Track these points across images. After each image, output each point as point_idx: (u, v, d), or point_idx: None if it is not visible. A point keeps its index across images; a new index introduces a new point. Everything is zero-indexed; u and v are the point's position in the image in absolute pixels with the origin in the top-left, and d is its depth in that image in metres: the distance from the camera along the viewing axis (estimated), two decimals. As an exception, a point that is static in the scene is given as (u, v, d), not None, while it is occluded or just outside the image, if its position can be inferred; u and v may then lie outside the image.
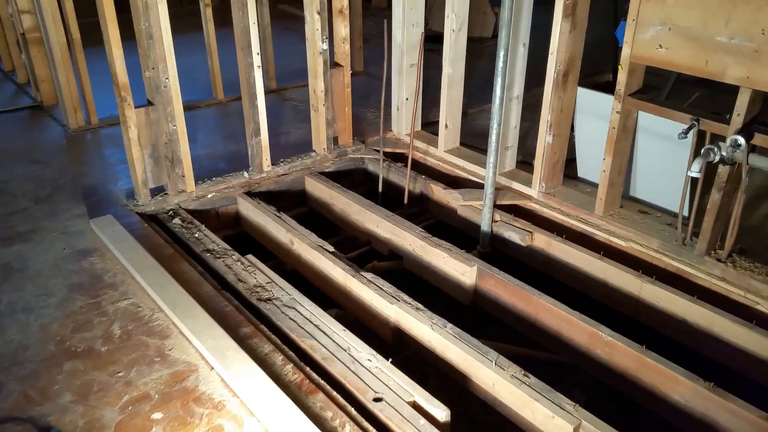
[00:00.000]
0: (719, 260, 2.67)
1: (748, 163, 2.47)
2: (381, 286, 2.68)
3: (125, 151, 3.05)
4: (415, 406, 2.07)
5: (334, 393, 2.08)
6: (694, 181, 2.69)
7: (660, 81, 4.10)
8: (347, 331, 2.38)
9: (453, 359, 2.37)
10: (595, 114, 3.17)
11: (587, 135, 3.32)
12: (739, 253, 2.70)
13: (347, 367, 2.20)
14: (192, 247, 2.87)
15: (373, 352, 2.27)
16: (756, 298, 2.51)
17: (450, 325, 2.45)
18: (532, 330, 2.69)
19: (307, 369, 2.18)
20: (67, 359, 2.16)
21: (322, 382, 2.12)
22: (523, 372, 2.20)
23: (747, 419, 2.02)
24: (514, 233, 3.09)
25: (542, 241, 3.04)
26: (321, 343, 2.31)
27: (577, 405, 2.06)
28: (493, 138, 3.02)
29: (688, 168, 2.60)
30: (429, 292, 3.06)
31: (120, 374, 2.10)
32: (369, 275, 2.75)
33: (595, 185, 3.28)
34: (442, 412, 2.04)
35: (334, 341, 2.33)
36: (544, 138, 3.19)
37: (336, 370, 2.19)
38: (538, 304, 2.61)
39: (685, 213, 2.81)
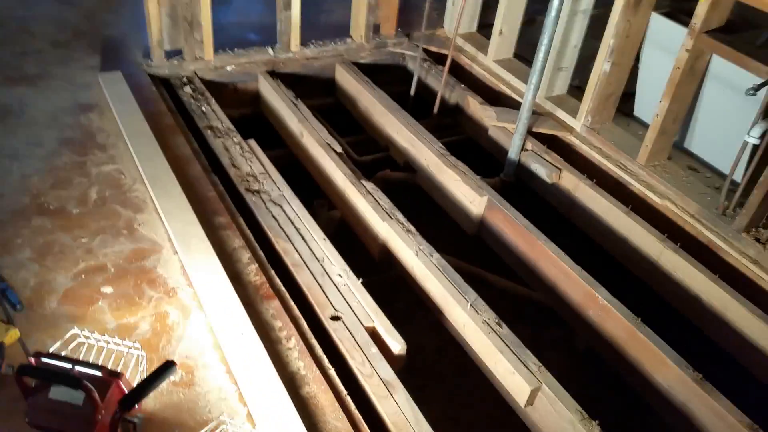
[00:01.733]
0: (758, 240, 2.34)
1: (822, 138, 2.08)
2: (378, 199, 2.51)
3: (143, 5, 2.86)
4: (373, 334, 1.96)
5: (291, 303, 1.98)
6: (754, 147, 2.31)
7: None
8: (327, 240, 2.25)
9: (431, 290, 2.22)
10: (667, 48, 2.73)
11: (653, 70, 2.89)
12: (785, 235, 2.36)
13: (315, 279, 2.09)
14: (195, 120, 2.74)
15: (347, 268, 2.15)
16: (787, 291, 2.21)
17: (437, 255, 2.27)
18: (529, 275, 2.49)
19: (271, 272, 2.08)
20: (37, 215, 2.12)
21: (282, 289, 2.03)
22: (496, 320, 2.04)
23: (727, 422, 1.82)
24: (542, 167, 2.81)
25: (570, 181, 2.75)
26: (296, 248, 2.20)
27: (542, 367, 1.90)
28: (540, 55, 2.66)
29: (749, 130, 2.22)
30: (434, 214, 2.88)
31: (84, 240, 2.06)
32: (369, 185, 2.57)
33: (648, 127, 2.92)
34: (397, 345, 1.93)
35: (310, 248, 2.21)
36: (600, 64, 2.79)
37: (302, 279, 2.08)
38: (541, 250, 2.39)
39: (738, 179, 2.45)
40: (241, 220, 2.26)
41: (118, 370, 1.47)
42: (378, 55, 3.50)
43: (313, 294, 2.03)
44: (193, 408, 1.61)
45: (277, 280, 2.05)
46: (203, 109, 2.82)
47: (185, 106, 2.82)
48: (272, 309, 1.93)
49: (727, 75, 2.51)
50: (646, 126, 2.98)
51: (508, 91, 3.29)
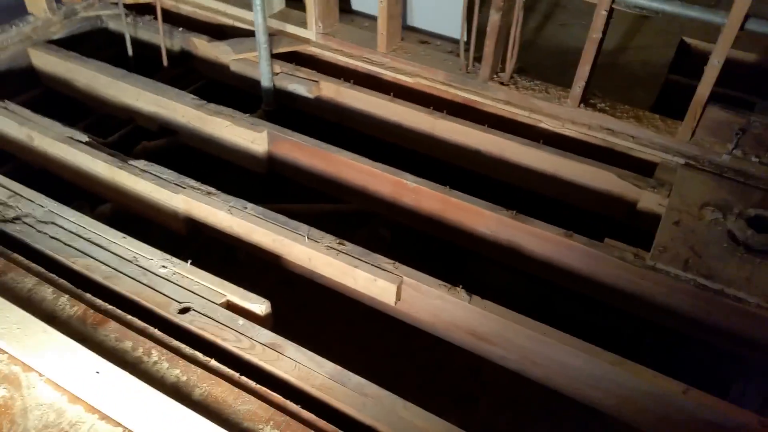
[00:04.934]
0: (502, 83, 2.67)
1: (523, -20, 2.39)
2: (159, 174, 2.27)
3: None
4: (230, 306, 1.85)
5: (129, 317, 1.75)
6: (471, 4, 2.57)
7: None
8: (128, 237, 2.00)
9: (261, 241, 2.14)
10: (364, -65, 2.83)
11: (358, -39, 2.99)
12: (518, 73, 2.72)
13: (139, 282, 1.86)
14: None
15: (167, 256, 1.95)
16: (539, 117, 2.59)
17: (251, 205, 2.18)
18: (336, 188, 2.53)
19: (88, 296, 1.79)
20: None
21: (110, 307, 1.77)
22: (337, 240, 2.06)
23: (547, 238, 2.14)
24: (300, 85, 2.79)
25: (330, 90, 2.79)
26: (99, 260, 1.92)
27: (396, 263, 2.00)
28: (256, -25, 2.56)
29: (469, -9, 2.46)
30: (217, 167, 2.72)
31: None
32: (141, 163, 2.31)
33: (372, 18, 3.03)
34: (260, 306, 1.85)
35: (114, 254, 1.95)
36: (312, -31, 2.79)
37: (125, 288, 1.84)
38: (339, 161, 2.43)
39: (466, 38, 2.73)
40: (19, 257, 1.87)
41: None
42: (72, 26, 3.03)
43: (146, 298, 1.82)
44: (87, 475, 1.38)
45: (100, 301, 1.78)
46: None
47: None
48: (112, 333, 1.69)
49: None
50: (368, 17, 3.11)
51: (230, 22, 3.13)
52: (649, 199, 2.32)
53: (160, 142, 2.74)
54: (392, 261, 2.00)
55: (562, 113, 2.57)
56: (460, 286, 1.94)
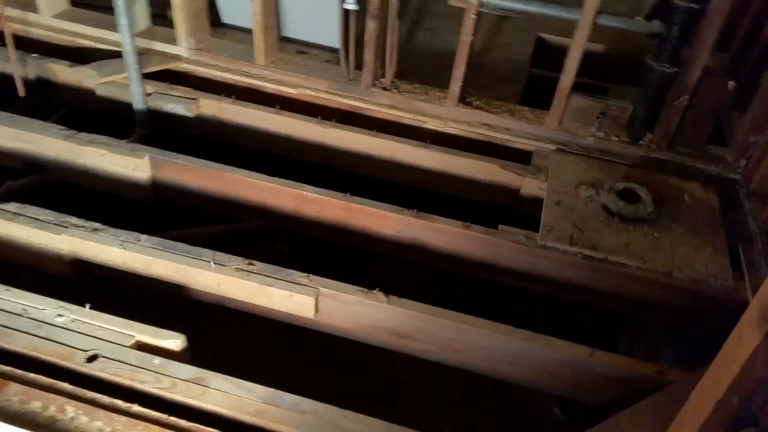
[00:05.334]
0: (385, 89, 2.74)
1: (395, -13, 2.47)
2: (35, 215, 2.09)
3: None
4: (142, 346, 1.75)
5: (31, 375, 1.60)
6: (346, 13, 2.61)
7: None
8: (11, 289, 1.82)
9: (162, 273, 2.04)
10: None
11: (223, -26, 2.92)
12: (398, 77, 2.81)
13: (35, 336, 1.70)
14: None
15: (61, 303, 1.80)
16: (423, 118, 2.69)
17: (144, 236, 2.06)
18: (233, 208, 2.46)
19: (-22, 360, 1.62)
20: None
21: (6, 368, 1.61)
22: (246, 261, 2.02)
23: (448, 232, 2.24)
24: (177, 104, 2.68)
25: (211, 107, 2.70)
26: (-19, 318, 1.73)
27: (310, 275, 2.00)
28: (118, -8, 2.42)
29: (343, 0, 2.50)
30: (93, 201, 2.55)
31: None
32: (12, 206, 2.11)
33: (245, 30, 2.98)
34: (175, 341, 1.77)
35: (0, 309, 1.76)
36: (176, -16, 2.69)
37: (20, 345, 1.68)
38: (234, 179, 2.37)
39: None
40: None
41: None
42: None
43: (46, 352, 1.67)
44: None
45: (-7, 364, 1.61)
46: None
47: None
48: (15, 396, 1.53)
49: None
50: (241, 30, 3.05)
51: (91, 44, 2.93)
52: (530, 185, 2.50)
53: (26, 180, 2.51)
54: (305, 274, 1.99)
55: (444, 113, 2.69)
56: (377, 289, 1.97)
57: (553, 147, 2.61)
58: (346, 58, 2.73)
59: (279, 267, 2.00)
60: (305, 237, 2.61)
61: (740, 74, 2.59)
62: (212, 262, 1.98)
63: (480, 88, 2.85)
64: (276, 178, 2.34)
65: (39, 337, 1.69)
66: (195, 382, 1.65)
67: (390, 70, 2.71)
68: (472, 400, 2.84)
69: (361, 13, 2.52)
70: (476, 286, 3.06)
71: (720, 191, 2.38)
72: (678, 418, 1.29)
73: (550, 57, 3.35)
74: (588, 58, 2.47)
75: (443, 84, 2.74)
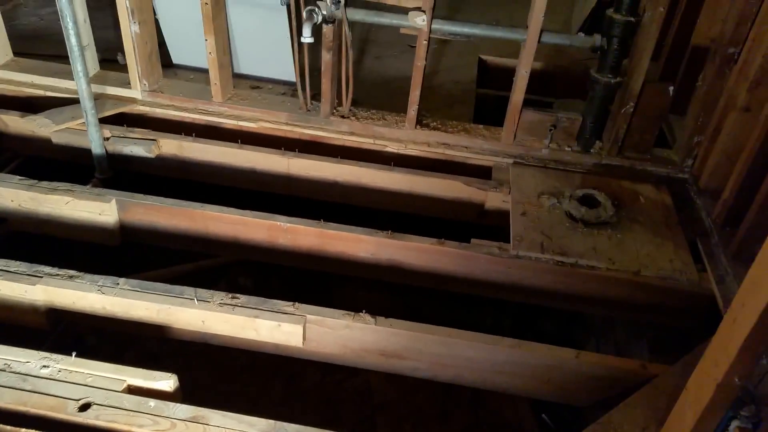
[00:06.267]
0: (343, 117, 2.81)
1: (348, 18, 2.55)
2: (6, 267, 2.02)
3: None
4: (134, 390, 1.71)
5: (23, 430, 1.54)
6: (300, 48, 2.67)
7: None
8: (-10, 344, 1.75)
9: (143, 315, 2.00)
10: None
11: (171, 15, 2.93)
12: (354, 105, 2.88)
13: (21, 390, 1.64)
14: None
15: (45, 354, 1.75)
16: (383, 142, 2.76)
17: (122, 279, 2.03)
18: (204, 244, 2.45)
19: (-38, 422, 1.55)
20: None
21: (-6, 427, 1.55)
22: (230, 295, 2.01)
23: (423, 249, 2.30)
24: (137, 146, 2.65)
25: (172, 146, 2.70)
26: (-40, 379, 1.66)
27: (296, 303, 2.01)
28: (73, 40, 2.39)
29: (297, 35, 2.55)
30: (65, 249, 2.49)
31: None
32: (-23, 261, 2.03)
33: (198, 70, 3.02)
34: (168, 381, 1.74)
35: (-22, 367, 1.69)
36: (129, 28, 2.68)
37: (6, 401, 1.61)
38: (205, 216, 2.36)
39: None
40: None
41: None
42: None
43: (35, 405, 1.61)
44: None
45: (-21, 425, 1.54)
46: None
47: None
48: (8, 454, 1.48)
49: (245, -4, 2.75)
50: (191, 69, 3.08)
51: (40, 92, 2.87)
52: (494, 198, 2.60)
53: (-16, 233, 2.42)
54: (291, 303, 2.00)
55: (403, 136, 2.77)
56: (364, 311, 2.00)
57: (511, 161, 2.73)
58: (303, 89, 2.78)
59: (264, 298, 2.00)
60: (268, 269, 2.61)
61: (673, 80, 2.79)
62: (195, 299, 1.97)
63: (433, 110, 2.96)
64: (248, 211, 2.35)
65: (25, 390, 1.63)
66: (194, 420, 1.63)
67: (347, 98, 2.77)
68: (450, 416, 2.88)
69: (314, 45, 2.58)
70: (443, 301, 3.14)
71: (671, 191, 2.54)
72: (677, 406, 1.36)
73: (491, 76, 3.52)
74: (530, 75, 2.61)
75: (396, 108, 2.84)
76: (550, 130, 2.73)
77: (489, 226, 2.61)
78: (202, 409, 1.66)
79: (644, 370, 1.89)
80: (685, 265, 2.21)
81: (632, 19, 2.33)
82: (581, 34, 2.51)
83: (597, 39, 2.44)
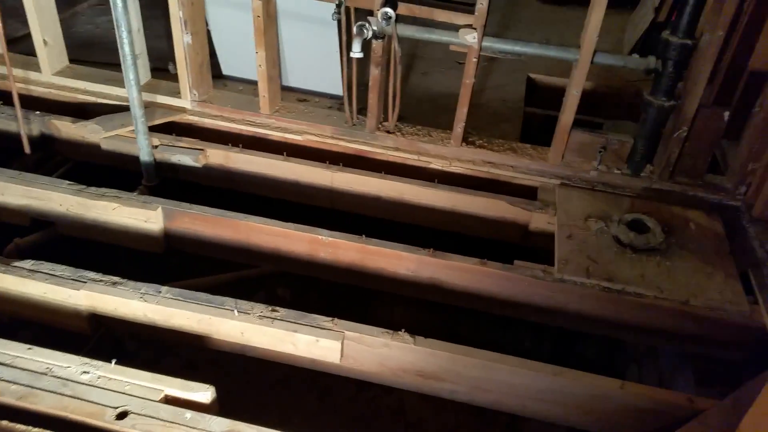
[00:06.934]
0: (389, 132, 2.79)
1: (398, 34, 2.54)
2: (52, 271, 2.06)
3: None
4: (171, 400, 1.71)
5: (62, 436, 1.56)
6: (349, 62, 2.67)
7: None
8: (35, 347, 1.78)
9: (184, 324, 2.01)
10: (226, 2, 2.84)
11: (223, 27, 2.98)
12: (400, 120, 2.86)
13: (61, 395, 1.66)
14: None
15: (86, 360, 1.77)
16: (427, 158, 2.74)
17: (165, 288, 2.05)
18: (247, 256, 2.46)
19: (4, 423, 1.56)
20: None
21: (35, 430, 1.56)
22: (269, 308, 2.00)
23: (465, 269, 2.26)
24: (184, 155, 2.69)
25: (219, 156, 2.72)
26: (5, 380, 1.69)
27: (335, 319, 1.99)
28: (126, 49, 2.44)
29: (347, 50, 2.55)
30: (108, 255, 2.53)
31: None
32: (27, 263, 2.08)
33: (247, 81, 3.05)
34: (205, 393, 1.74)
35: (23, 369, 1.72)
36: (181, 39, 2.73)
37: (47, 405, 1.63)
38: (248, 227, 2.37)
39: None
40: None
41: None
42: None
43: (74, 411, 1.63)
44: None
45: (21, 427, 1.56)
46: None
47: None
48: (47, 458, 1.49)
49: (296, 9, 2.77)
50: (241, 80, 3.11)
51: (92, 99, 2.94)
52: (539, 220, 2.54)
53: (34, 237, 2.49)
54: (330, 318, 1.98)
55: (448, 153, 2.74)
56: (403, 330, 1.97)
57: (557, 182, 2.67)
58: (350, 103, 2.78)
59: (303, 312, 1.99)
60: (307, 281, 2.60)
61: (728, 105, 2.69)
62: (236, 311, 1.97)
63: (478, 128, 2.92)
64: (290, 224, 2.35)
65: (66, 395, 1.65)
66: (229, 434, 1.62)
67: (393, 113, 2.76)
68: (484, 436, 2.82)
69: (362, 60, 2.58)
70: (481, 322, 3.08)
71: (723, 218, 2.44)
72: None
73: (540, 95, 3.46)
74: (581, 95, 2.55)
75: (442, 125, 2.81)
76: (600, 151, 2.66)
77: (533, 248, 2.55)
78: (238, 423, 1.65)
79: (691, 404, 1.81)
80: (736, 296, 2.11)
81: (689, 42, 2.26)
82: (635, 56, 2.44)
83: (651, 61, 2.37)
